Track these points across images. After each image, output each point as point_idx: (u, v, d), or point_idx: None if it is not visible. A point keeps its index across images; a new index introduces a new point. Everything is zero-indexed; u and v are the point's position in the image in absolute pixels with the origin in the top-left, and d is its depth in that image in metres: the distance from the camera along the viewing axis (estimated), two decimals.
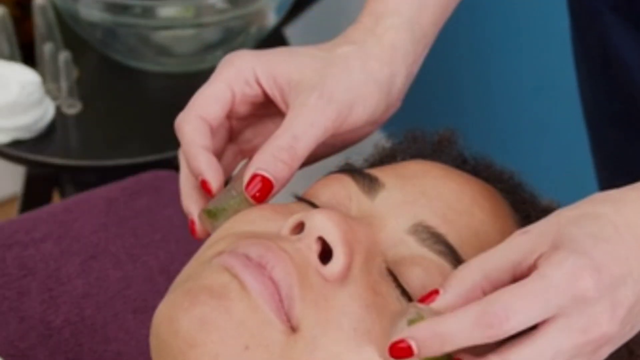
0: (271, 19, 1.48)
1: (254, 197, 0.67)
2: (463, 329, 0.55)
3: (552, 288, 0.55)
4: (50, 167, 1.35)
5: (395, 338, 0.56)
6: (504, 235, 0.66)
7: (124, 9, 1.38)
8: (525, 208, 0.71)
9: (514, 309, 0.54)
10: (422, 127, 0.78)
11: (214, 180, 0.69)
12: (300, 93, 0.70)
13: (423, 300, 0.59)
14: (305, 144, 0.68)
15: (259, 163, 0.67)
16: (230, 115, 0.73)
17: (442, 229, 0.64)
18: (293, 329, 0.59)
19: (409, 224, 0.64)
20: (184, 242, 1.04)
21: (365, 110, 0.71)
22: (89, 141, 1.38)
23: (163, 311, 0.61)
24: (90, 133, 1.38)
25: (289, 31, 1.63)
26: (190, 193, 0.72)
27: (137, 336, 0.95)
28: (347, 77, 0.71)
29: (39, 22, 1.38)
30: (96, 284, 0.97)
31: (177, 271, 0.67)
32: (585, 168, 1.17)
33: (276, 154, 0.67)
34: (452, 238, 0.64)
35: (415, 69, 0.76)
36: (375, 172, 0.69)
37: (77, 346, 0.93)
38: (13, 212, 1.70)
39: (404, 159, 0.75)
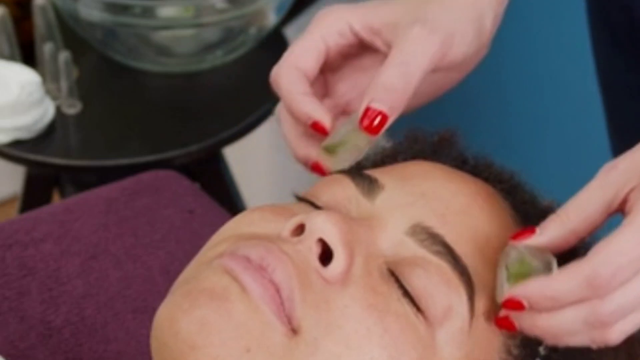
0: (271, 19, 1.48)
1: (368, 129, 0.66)
2: (573, 291, 0.57)
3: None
4: (50, 167, 1.35)
5: (507, 295, 0.59)
6: (503, 234, 0.67)
7: (124, 9, 1.38)
8: (525, 208, 0.71)
9: (620, 266, 0.56)
10: (423, 127, 0.78)
11: (325, 118, 0.68)
12: (399, 28, 0.69)
13: (517, 236, 0.61)
14: (416, 70, 0.67)
15: (371, 95, 0.67)
16: (324, 69, 0.73)
17: (440, 230, 0.64)
18: (294, 331, 0.59)
19: (407, 225, 0.64)
20: (184, 242, 1.04)
21: (463, 44, 0.71)
22: (89, 141, 1.38)
23: (163, 313, 0.61)
24: (90, 133, 1.38)
25: (289, 31, 1.63)
26: (299, 141, 0.71)
27: (137, 336, 0.95)
28: (444, 11, 0.70)
29: (39, 22, 1.38)
30: (96, 284, 0.97)
31: (177, 271, 0.67)
32: (585, 168, 1.17)
33: (388, 83, 0.66)
34: (450, 239, 0.64)
35: (501, 11, 0.76)
36: (375, 173, 0.69)
37: (77, 346, 0.93)
38: (13, 212, 1.70)
39: (404, 159, 0.75)
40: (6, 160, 1.36)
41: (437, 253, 0.63)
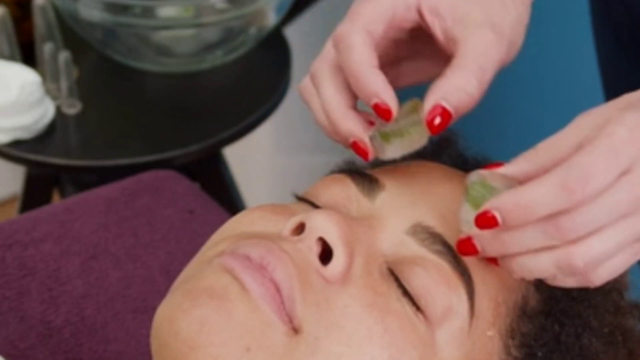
0: (271, 19, 1.48)
1: (431, 125, 0.63)
2: (547, 197, 0.56)
3: (620, 145, 0.56)
4: (50, 167, 1.35)
5: (481, 209, 0.58)
6: None
7: (124, 9, 1.38)
8: None
9: (593, 171, 0.55)
10: None
11: (393, 103, 0.63)
12: (468, 26, 0.66)
13: (488, 167, 0.60)
14: (490, 77, 0.65)
15: (443, 93, 0.63)
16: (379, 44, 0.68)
17: (440, 230, 0.64)
18: (295, 330, 0.59)
19: (408, 224, 0.64)
20: (184, 242, 1.04)
21: (516, 50, 0.69)
22: (89, 141, 1.38)
23: (163, 312, 0.61)
24: (90, 133, 1.38)
25: (289, 31, 1.63)
26: (346, 114, 0.65)
27: (137, 336, 0.95)
28: (507, 14, 0.68)
29: (39, 22, 1.38)
30: (96, 284, 0.97)
31: (177, 271, 0.67)
32: None
33: (464, 85, 0.63)
34: (450, 238, 0.64)
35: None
36: (375, 172, 0.69)
37: (77, 346, 0.93)
38: (13, 212, 1.70)
39: (405, 159, 0.75)
40: (6, 160, 1.36)
41: (437, 252, 0.63)
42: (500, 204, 0.57)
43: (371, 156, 0.65)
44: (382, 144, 0.65)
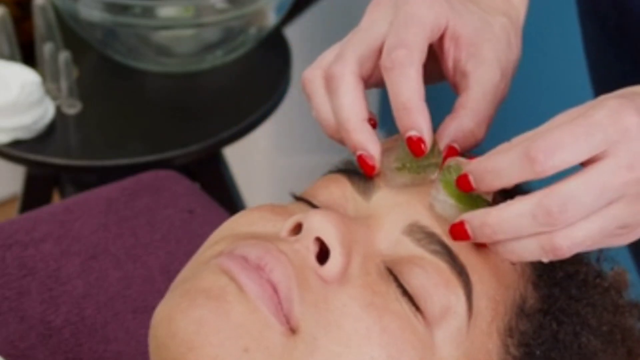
0: (271, 19, 1.48)
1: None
2: (511, 163, 0.57)
3: (596, 124, 0.57)
4: (50, 167, 1.35)
5: (459, 174, 0.61)
6: None
7: (124, 9, 1.38)
8: None
9: (560, 144, 0.56)
10: None
11: (430, 139, 0.65)
12: (480, 65, 0.68)
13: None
14: (489, 115, 0.69)
15: (456, 135, 0.67)
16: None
17: (437, 229, 0.64)
18: (293, 330, 0.59)
19: (404, 224, 0.64)
20: (184, 242, 1.04)
21: (509, 83, 0.72)
22: (89, 141, 1.38)
23: (161, 312, 0.61)
24: (90, 133, 1.38)
25: (289, 31, 1.63)
26: (363, 125, 0.66)
27: (137, 336, 0.95)
28: (510, 53, 0.71)
29: (39, 22, 1.38)
30: (96, 284, 0.97)
31: (177, 271, 0.67)
32: None
33: (474, 130, 0.67)
34: (447, 237, 0.64)
35: None
36: None
37: (77, 346, 0.93)
38: (13, 212, 1.70)
39: None
40: (6, 160, 1.36)
41: (434, 252, 0.63)
42: (471, 168, 0.60)
43: (375, 173, 0.66)
44: (393, 170, 0.67)
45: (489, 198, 0.63)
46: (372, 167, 0.66)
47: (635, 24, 0.92)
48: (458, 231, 0.61)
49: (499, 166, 0.58)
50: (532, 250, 0.59)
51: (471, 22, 0.69)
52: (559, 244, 0.58)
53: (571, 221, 0.57)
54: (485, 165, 0.59)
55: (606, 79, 1.02)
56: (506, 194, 0.62)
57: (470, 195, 0.63)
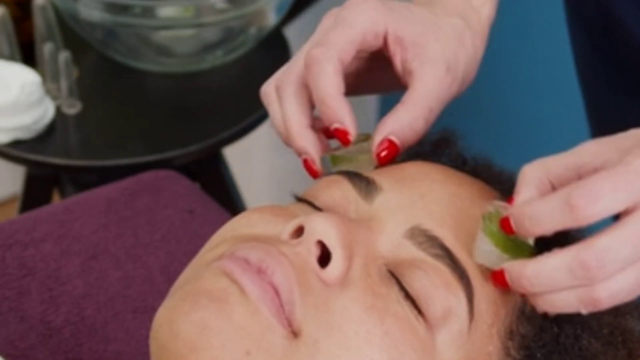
0: (271, 19, 1.48)
1: (379, 157, 0.69)
2: (551, 210, 0.57)
3: (636, 173, 0.56)
4: (50, 167, 1.35)
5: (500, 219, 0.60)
6: None
7: (124, 9, 1.38)
8: None
9: (601, 191, 0.56)
10: None
11: (353, 130, 0.69)
12: (425, 62, 0.71)
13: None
14: (436, 114, 0.70)
15: (391, 129, 0.69)
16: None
17: (438, 232, 0.64)
18: (294, 333, 0.59)
19: (405, 227, 0.64)
20: (184, 242, 1.04)
21: (469, 83, 0.74)
22: (89, 141, 1.38)
23: (163, 314, 0.61)
24: (90, 133, 1.38)
25: (289, 31, 1.63)
26: (304, 131, 0.71)
27: (137, 336, 0.95)
28: (463, 52, 0.73)
29: (39, 22, 1.38)
30: (96, 284, 0.97)
31: (177, 271, 0.67)
32: None
33: (412, 123, 0.69)
34: (448, 241, 0.64)
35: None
36: (373, 174, 0.68)
37: (77, 346, 0.93)
38: (13, 212, 1.70)
39: (403, 160, 0.75)
40: (6, 160, 1.36)
41: (435, 256, 0.63)
42: (512, 212, 0.60)
43: (319, 176, 0.70)
44: (330, 166, 0.71)
45: (531, 242, 0.63)
46: (316, 171, 0.70)
47: (619, 29, 0.92)
48: (498, 279, 0.61)
49: (538, 212, 0.58)
50: (570, 302, 0.59)
51: (415, 24, 0.72)
52: (597, 296, 0.58)
53: (609, 274, 0.57)
54: (525, 210, 0.59)
55: (594, 82, 1.02)
56: (550, 241, 0.62)
57: (514, 242, 0.62)
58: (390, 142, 0.69)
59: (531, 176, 0.60)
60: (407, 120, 0.69)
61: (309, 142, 0.70)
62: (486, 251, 0.62)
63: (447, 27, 0.74)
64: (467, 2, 0.77)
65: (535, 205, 0.58)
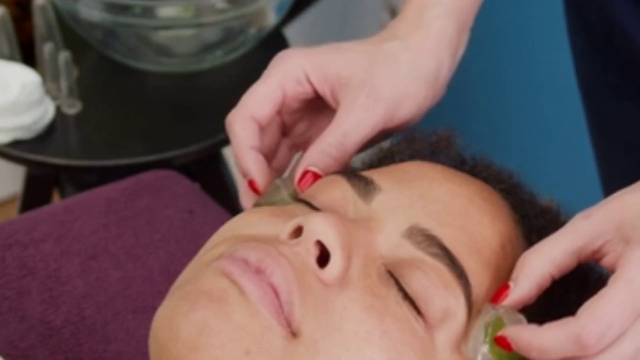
0: (271, 19, 1.48)
1: (302, 188, 0.70)
2: (560, 345, 0.58)
3: (638, 291, 0.57)
4: (50, 167, 1.35)
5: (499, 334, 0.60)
6: (502, 235, 0.67)
7: (124, 9, 1.39)
8: (524, 208, 0.72)
9: (610, 324, 0.57)
10: (421, 127, 0.78)
11: (260, 179, 0.72)
12: (349, 91, 0.72)
13: (496, 298, 0.62)
14: (354, 141, 0.71)
15: (310, 160, 0.71)
16: (281, 111, 0.76)
17: (437, 232, 0.64)
18: (294, 333, 0.59)
19: (404, 227, 0.64)
20: (184, 242, 1.04)
21: (412, 105, 0.74)
22: (89, 141, 1.38)
23: (163, 315, 0.61)
24: (90, 133, 1.39)
25: (289, 31, 1.64)
26: (249, 152, 0.73)
27: (137, 336, 0.95)
28: (395, 74, 0.73)
29: (39, 22, 1.38)
30: (96, 284, 0.97)
31: (177, 271, 0.67)
32: (583, 167, 1.17)
33: (326, 150, 0.71)
34: (447, 240, 0.64)
35: (460, 55, 0.79)
36: (371, 174, 0.69)
37: (77, 346, 0.93)
38: (13, 212, 1.70)
39: (402, 159, 0.75)
40: (6, 160, 1.36)
41: (434, 255, 0.63)
42: (515, 336, 0.60)
43: (246, 201, 0.74)
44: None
45: None
46: (258, 192, 0.72)
47: (620, 35, 0.92)
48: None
49: (546, 345, 0.58)
50: None
51: (339, 59, 0.74)
52: None
53: (606, 346, 0.58)
54: (533, 341, 0.59)
55: (594, 88, 1.02)
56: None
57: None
58: (312, 173, 0.71)
59: (534, 270, 0.61)
60: (321, 148, 0.71)
61: (251, 163, 0.72)
62: (482, 353, 0.62)
63: (377, 53, 0.74)
64: (413, 23, 0.77)
65: (544, 339, 0.58)
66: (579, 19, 1.00)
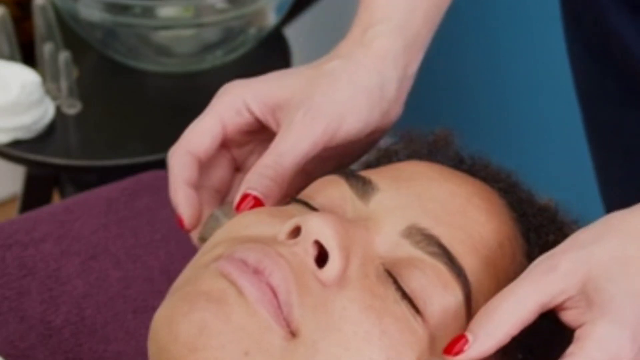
0: (271, 19, 1.48)
1: (239, 210, 0.69)
2: None
3: (601, 351, 0.57)
4: (50, 167, 1.35)
5: None
6: (500, 234, 0.67)
7: (124, 9, 1.39)
8: (522, 207, 0.72)
9: None
10: (419, 126, 0.78)
11: (187, 215, 0.71)
12: (289, 112, 0.71)
13: (450, 349, 0.60)
14: (290, 160, 0.70)
15: (248, 183, 0.69)
16: (229, 145, 0.75)
17: (435, 231, 0.64)
18: (293, 334, 0.59)
19: (402, 226, 0.64)
20: (184, 242, 1.04)
21: (356, 121, 0.72)
22: (89, 141, 1.38)
23: (162, 316, 0.61)
24: (90, 133, 1.39)
25: (289, 31, 1.63)
26: (181, 186, 0.73)
27: (137, 336, 0.95)
28: (333, 90, 0.72)
29: (39, 22, 1.38)
30: (96, 284, 0.97)
31: (177, 271, 0.67)
32: (582, 167, 1.17)
33: (263, 172, 0.69)
34: (446, 239, 0.64)
35: (411, 71, 0.77)
36: (369, 174, 0.69)
37: (77, 346, 0.93)
38: (13, 212, 1.70)
39: (399, 159, 0.75)
40: (6, 160, 1.36)
41: (432, 254, 0.63)
42: None
43: (189, 231, 0.72)
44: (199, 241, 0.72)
45: None
46: (186, 228, 0.72)
47: (617, 44, 0.92)
48: None
49: None
50: None
51: (278, 85, 0.73)
52: None
53: None
54: None
55: (592, 94, 1.02)
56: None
57: None
58: (251, 196, 0.69)
59: (495, 329, 0.59)
60: (256, 169, 0.70)
61: (180, 198, 0.72)
62: None
63: (317, 73, 0.73)
64: (354, 43, 0.76)
65: None
66: (576, 26, 1.00)
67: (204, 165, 0.73)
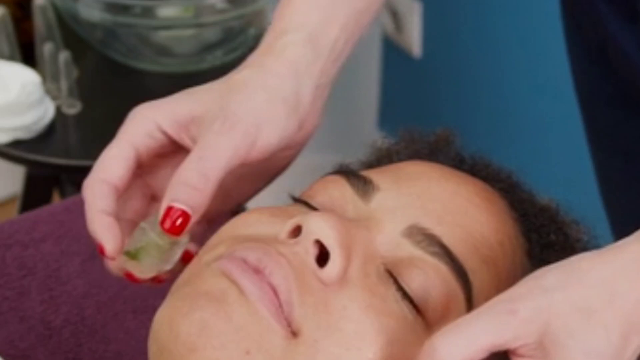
0: (271, 19, 1.48)
1: (171, 230, 0.65)
2: None
3: None
4: (50, 167, 1.35)
5: None
6: (501, 233, 0.67)
7: (124, 9, 1.39)
8: (523, 207, 0.72)
9: None
10: (420, 126, 0.78)
11: (109, 242, 0.67)
12: (203, 126, 0.69)
13: None
14: (214, 166, 0.66)
15: (171, 195, 0.66)
16: (143, 172, 0.72)
17: (436, 231, 0.64)
18: (293, 333, 0.59)
19: (403, 226, 0.64)
20: None
21: (274, 129, 0.70)
22: (89, 141, 1.38)
23: (162, 316, 0.61)
24: (90, 133, 1.38)
25: None
26: (97, 215, 0.69)
27: (137, 336, 0.95)
28: (248, 99, 0.70)
29: (39, 22, 1.38)
30: (96, 284, 0.97)
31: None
32: (582, 166, 1.17)
33: (187, 182, 0.66)
34: (447, 239, 0.64)
35: (326, 80, 0.74)
36: (370, 174, 0.69)
37: (77, 346, 0.93)
38: (13, 212, 1.70)
39: (400, 159, 0.75)
40: (6, 160, 1.36)
41: (433, 254, 0.63)
42: None
43: (113, 259, 0.68)
44: (134, 264, 0.68)
45: None
46: (108, 256, 0.68)
47: (616, 50, 0.92)
48: None
49: None
50: None
51: (188, 101, 0.70)
52: None
53: None
54: None
55: (592, 96, 1.02)
56: None
57: None
58: (176, 209, 0.65)
59: (453, 355, 0.56)
60: (179, 180, 0.66)
61: (98, 226, 0.67)
62: None
63: (228, 85, 0.71)
64: (264, 52, 0.74)
65: None
66: (575, 30, 1.00)
67: (121, 195, 0.70)
